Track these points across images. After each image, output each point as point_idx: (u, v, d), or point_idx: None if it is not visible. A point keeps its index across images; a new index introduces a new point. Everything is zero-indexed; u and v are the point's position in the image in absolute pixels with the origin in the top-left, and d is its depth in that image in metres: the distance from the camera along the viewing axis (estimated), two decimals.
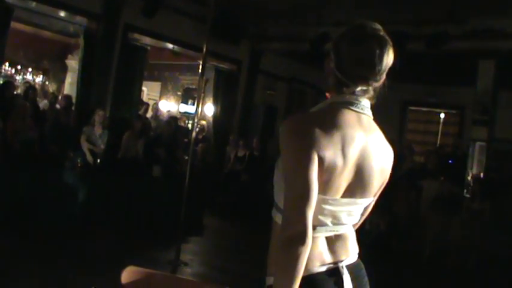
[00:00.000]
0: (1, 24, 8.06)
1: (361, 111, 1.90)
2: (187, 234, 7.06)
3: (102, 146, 8.72)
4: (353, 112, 1.88)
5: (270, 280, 1.89)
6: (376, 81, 1.90)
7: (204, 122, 12.90)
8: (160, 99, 16.22)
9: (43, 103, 11.49)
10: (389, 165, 2.00)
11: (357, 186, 1.88)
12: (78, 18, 9.71)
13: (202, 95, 9.04)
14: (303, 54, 11.45)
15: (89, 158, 8.41)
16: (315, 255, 1.87)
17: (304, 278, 1.81)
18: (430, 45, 9.03)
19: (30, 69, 14.05)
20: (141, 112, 11.34)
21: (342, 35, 1.94)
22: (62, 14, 9.73)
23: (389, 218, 9.23)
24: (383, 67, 1.88)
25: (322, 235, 1.89)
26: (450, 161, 10.35)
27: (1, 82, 9.97)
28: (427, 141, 14.49)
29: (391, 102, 14.40)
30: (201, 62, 6.63)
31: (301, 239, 1.73)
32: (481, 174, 9.69)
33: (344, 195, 1.87)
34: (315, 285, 1.86)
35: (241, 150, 11.35)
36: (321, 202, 1.82)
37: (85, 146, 8.48)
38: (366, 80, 1.89)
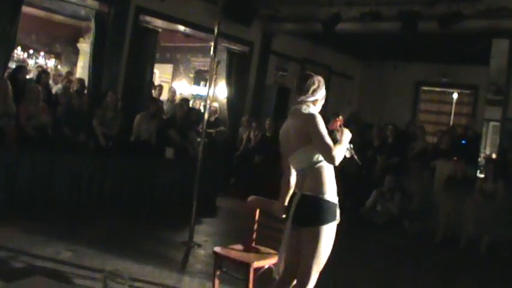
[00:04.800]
0: (13, 9, 8.08)
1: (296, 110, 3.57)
2: (201, 216, 7.09)
3: (115, 129, 8.76)
4: (293, 111, 3.59)
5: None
6: (303, 94, 3.55)
7: (216, 104, 12.88)
8: (172, 82, 16.20)
9: (56, 87, 11.53)
10: (302, 124, 3.46)
11: (288, 148, 3.59)
12: (90, 2, 9.73)
13: (214, 76, 9.02)
14: (315, 34, 11.38)
15: (102, 140, 8.46)
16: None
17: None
18: (443, 25, 8.93)
19: (42, 53, 14.06)
20: (154, 94, 11.35)
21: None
22: None
23: (401, 199, 9.23)
24: (304, 88, 3.54)
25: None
26: (463, 142, 10.27)
27: (14, 66, 9.98)
28: (440, 121, 14.41)
29: (404, 82, 14.40)
30: (212, 44, 6.62)
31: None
32: (494, 155, 9.62)
33: (289, 156, 3.57)
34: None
35: (254, 131, 11.33)
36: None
37: (98, 129, 8.53)
38: (299, 93, 3.57)
